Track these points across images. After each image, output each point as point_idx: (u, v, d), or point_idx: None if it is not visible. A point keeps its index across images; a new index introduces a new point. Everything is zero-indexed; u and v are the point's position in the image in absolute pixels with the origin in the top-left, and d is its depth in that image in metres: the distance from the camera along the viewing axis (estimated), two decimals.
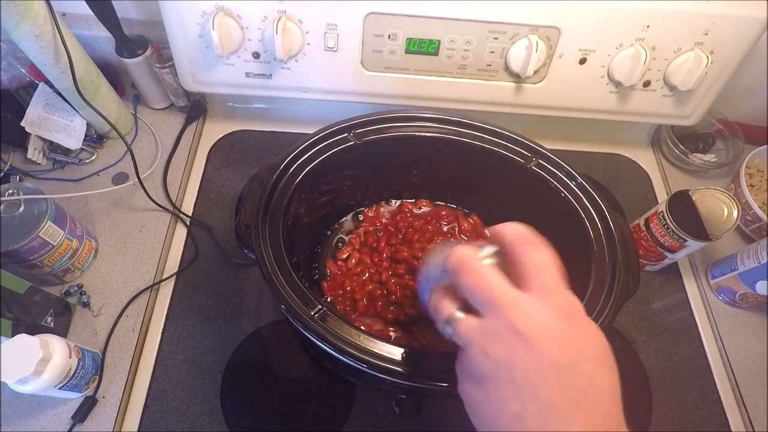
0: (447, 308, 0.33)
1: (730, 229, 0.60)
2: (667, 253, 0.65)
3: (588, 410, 0.27)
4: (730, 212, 0.61)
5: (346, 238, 0.64)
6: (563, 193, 0.53)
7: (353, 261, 0.62)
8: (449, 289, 0.34)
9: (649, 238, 0.65)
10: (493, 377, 0.29)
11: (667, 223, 0.62)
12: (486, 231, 0.35)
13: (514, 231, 0.33)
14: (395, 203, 0.67)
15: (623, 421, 0.28)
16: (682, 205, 0.62)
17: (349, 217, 0.66)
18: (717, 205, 0.62)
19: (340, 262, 0.62)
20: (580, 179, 0.53)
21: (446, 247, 0.37)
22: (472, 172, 0.60)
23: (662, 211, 0.63)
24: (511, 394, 0.28)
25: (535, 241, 0.32)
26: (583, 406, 0.27)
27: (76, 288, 0.61)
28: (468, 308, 0.32)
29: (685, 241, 0.61)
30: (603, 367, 0.29)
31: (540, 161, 0.55)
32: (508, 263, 0.33)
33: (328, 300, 0.59)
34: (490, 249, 0.33)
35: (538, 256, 0.31)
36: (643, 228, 0.66)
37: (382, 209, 0.67)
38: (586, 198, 0.52)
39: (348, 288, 0.59)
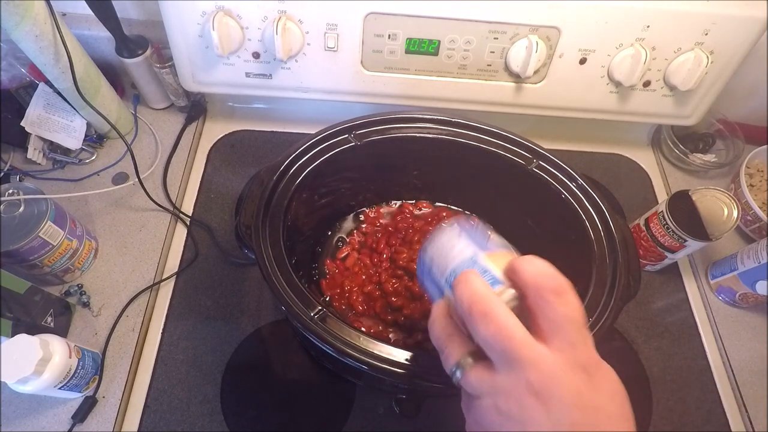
0: (456, 352, 0.30)
1: (730, 229, 0.60)
2: (667, 253, 0.65)
3: None
4: (730, 212, 0.61)
5: (347, 239, 0.64)
6: (564, 194, 0.53)
7: (351, 261, 0.62)
8: (455, 324, 0.31)
9: (649, 238, 0.65)
10: None
11: (667, 223, 0.62)
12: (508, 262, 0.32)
13: (537, 273, 0.29)
14: (396, 204, 0.67)
15: None
16: (682, 205, 0.62)
17: (350, 217, 0.66)
18: (717, 205, 0.62)
19: (338, 262, 0.62)
20: (580, 181, 0.53)
21: (453, 231, 0.34)
22: (472, 173, 0.60)
23: (662, 211, 0.63)
24: None
25: (561, 287, 0.29)
26: None
27: (76, 288, 0.61)
28: (479, 351, 0.30)
29: (685, 241, 0.61)
30: (622, 424, 0.27)
31: (541, 163, 0.55)
32: (523, 302, 0.30)
33: (327, 299, 0.59)
34: (511, 293, 0.30)
35: (566, 308, 0.28)
36: (643, 228, 0.66)
37: (382, 210, 0.67)
38: (587, 199, 0.52)
39: (346, 288, 0.59)
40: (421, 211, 0.67)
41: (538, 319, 0.29)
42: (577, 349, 0.28)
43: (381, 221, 0.66)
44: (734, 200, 0.61)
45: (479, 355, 0.30)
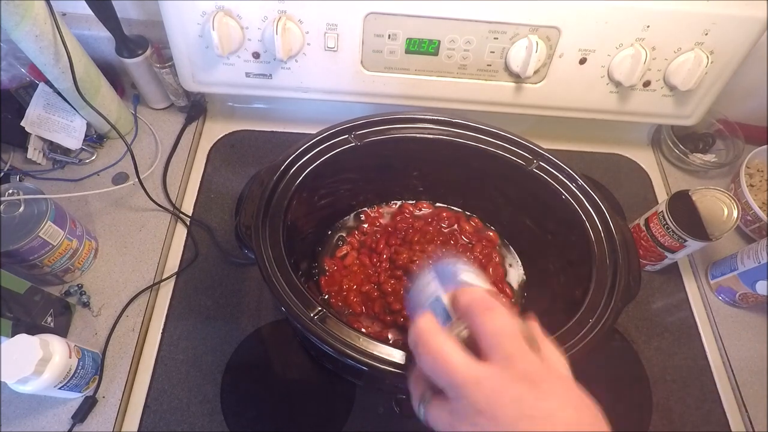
0: (418, 392, 0.32)
1: (730, 229, 0.60)
2: (667, 253, 0.65)
3: None
4: (730, 212, 0.61)
5: (347, 237, 0.64)
6: (564, 195, 0.53)
7: (350, 260, 0.62)
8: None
9: (649, 238, 0.65)
10: None
11: (667, 223, 0.62)
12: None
13: (470, 299, 0.31)
14: (396, 204, 0.67)
15: None
16: (682, 205, 0.62)
17: (351, 216, 0.66)
18: (717, 205, 0.62)
19: (337, 260, 0.62)
20: (580, 181, 0.53)
21: (427, 275, 0.36)
22: (473, 174, 0.60)
23: (662, 211, 0.63)
24: None
25: (490, 305, 0.31)
26: None
27: (76, 288, 0.61)
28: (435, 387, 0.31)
29: (685, 241, 0.61)
30: (581, 417, 0.28)
31: (541, 163, 0.55)
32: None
33: (325, 297, 0.59)
34: (461, 325, 0.32)
35: (497, 322, 0.30)
36: (643, 228, 0.66)
37: (382, 210, 0.67)
38: (587, 200, 0.52)
39: (345, 287, 0.59)
40: (422, 212, 0.67)
41: (477, 340, 0.30)
42: (515, 360, 0.28)
43: (380, 221, 0.66)
44: (734, 200, 0.61)
45: (436, 390, 0.30)
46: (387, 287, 0.57)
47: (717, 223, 0.61)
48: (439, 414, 0.30)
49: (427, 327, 0.31)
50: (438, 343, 0.30)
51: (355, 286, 0.59)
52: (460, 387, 0.28)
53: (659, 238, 0.64)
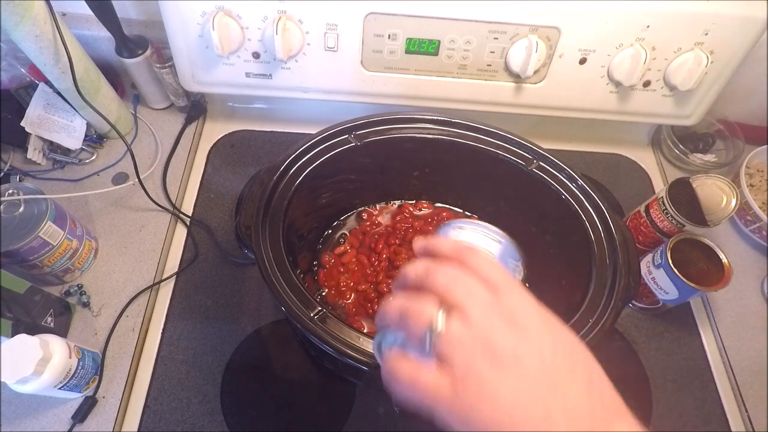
0: (427, 310, 0.28)
1: (728, 216, 0.60)
2: (665, 239, 0.64)
3: (601, 391, 0.27)
4: (729, 200, 0.61)
5: (348, 235, 0.64)
6: (564, 195, 0.53)
7: (348, 258, 0.62)
8: (414, 293, 0.30)
9: (649, 224, 0.65)
10: (507, 389, 0.26)
11: (666, 209, 0.62)
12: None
13: (445, 247, 0.31)
14: (396, 204, 0.67)
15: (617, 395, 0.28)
16: (682, 192, 0.62)
17: (352, 215, 0.66)
18: (716, 193, 0.62)
19: (335, 258, 0.62)
20: (580, 181, 0.53)
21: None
22: (473, 174, 0.60)
23: (662, 197, 0.63)
24: (531, 397, 0.26)
25: (465, 247, 0.31)
26: (596, 390, 0.27)
27: (76, 288, 0.61)
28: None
29: (683, 226, 0.61)
30: (578, 342, 0.29)
31: (541, 163, 0.55)
32: None
33: (323, 293, 0.59)
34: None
35: (488, 265, 0.30)
36: (644, 214, 0.66)
37: (382, 210, 0.67)
38: (587, 200, 0.52)
39: (342, 285, 0.59)
40: (421, 212, 0.67)
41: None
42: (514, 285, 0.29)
43: (379, 220, 0.66)
44: (734, 188, 0.61)
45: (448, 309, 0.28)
46: (383, 287, 0.57)
47: (715, 209, 0.61)
48: (460, 330, 0.27)
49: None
50: (465, 250, 0.30)
51: (352, 283, 0.59)
52: (504, 286, 0.28)
53: (658, 224, 0.64)
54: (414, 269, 0.31)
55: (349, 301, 0.58)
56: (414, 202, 0.68)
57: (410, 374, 0.28)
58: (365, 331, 0.55)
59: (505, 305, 0.28)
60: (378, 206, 0.67)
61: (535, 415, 0.25)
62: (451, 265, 0.30)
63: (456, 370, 0.27)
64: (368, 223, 0.65)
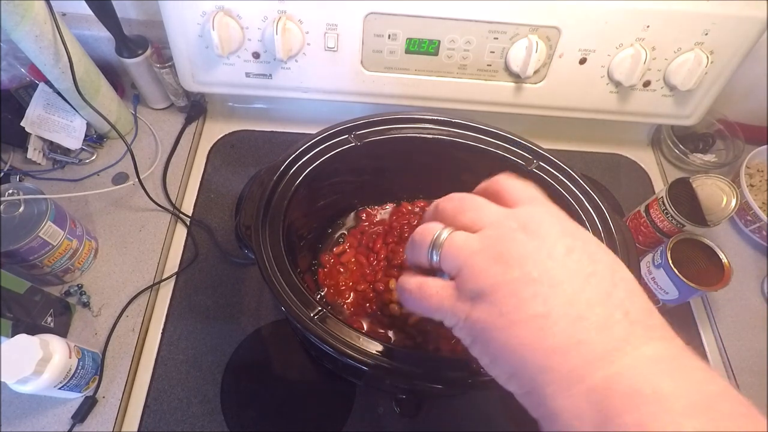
0: (429, 232, 0.29)
1: (728, 216, 0.60)
2: (665, 239, 0.65)
3: (624, 303, 0.24)
4: (729, 200, 0.61)
5: (347, 234, 0.64)
6: (564, 195, 0.53)
7: (347, 258, 0.62)
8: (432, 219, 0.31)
9: (649, 224, 0.65)
10: (504, 283, 0.25)
11: (666, 208, 0.62)
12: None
13: (485, 184, 0.33)
14: (395, 204, 0.67)
15: (667, 325, 0.24)
16: (682, 192, 0.62)
17: (351, 215, 0.66)
18: (716, 193, 0.62)
19: (334, 258, 0.62)
20: (580, 181, 0.53)
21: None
22: (473, 174, 0.60)
23: (662, 197, 0.63)
24: (530, 292, 0.24)
25: (504, 175, 0.32)
26: (617, 298, 0.24)
27: (76, 288, 0.61)
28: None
29: (683, 226, 0.61)
30: (618, 260, 0.27)
31: (541, 163, 0.54)
32: None
33: (323, 292, 0.59)
34: None
35: (512, 180, 0.31)
36: (644, 214, 0.66)
37: (381, 210, 0.67)
38: (587, 200, 0.52)
39: (342, 285, 0.59)
40: (419, 210, 0.67)
41: (504, 196, 0.30)
42: (544, 201, 0.29)
43: (377, 219, 0.65)
44: (734, 188, 0.61)
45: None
46: (380, 286, 0.57)
47: (715, 209, 0.61)
48: (465, 242, 0.27)
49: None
50: (462, 194, 0.30)
51: (351, 283, 0.59)
52: (498, 214, 0.28)
53: (658, 224, 0.64)
54: (429, 209, 0.32)
55: (349, 300, 0.58)
56: (413, 201, 0.67)
57: (416, 283, 0.30)
58: (365, 330, 0.55)
59: (520, 215, 0.27)
60: (377, 206, 0.67)
61: (529, 318, 0.23)
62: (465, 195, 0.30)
63: (460, 274, 0.27)
64: (367, 223, 0.65)
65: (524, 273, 0.24)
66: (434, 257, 0.28)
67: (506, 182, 0.30)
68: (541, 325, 0.23)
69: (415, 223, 0.63)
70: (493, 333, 0.25)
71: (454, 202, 0.30)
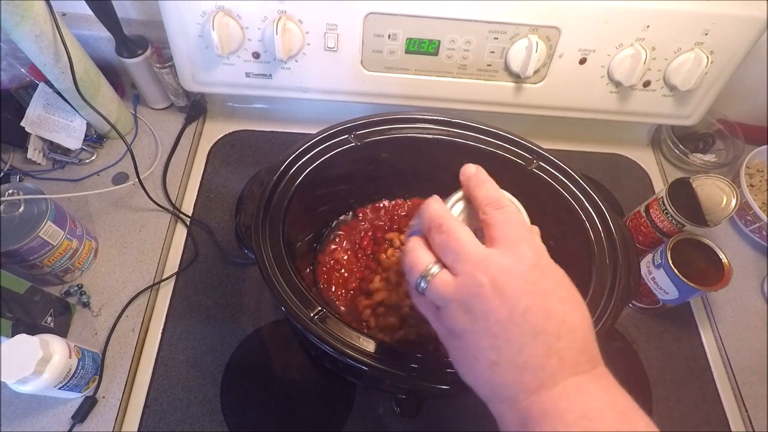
0: (423, 263, 0.33)
1: (728, 216, 0.60)
2: (665, 239, 0.64)
3: (561, 352, 0.29)
4: (729, 200, 0.61)
5: (341, 234, 0.64)
6: (564, 195, 0.53)
7: (339, 255, 0.62)
8: (423, 243, 0.35)
9: (649, 224, 0.65)
10: (470, 330, 0.31)
11: (666, 209, 0.62)
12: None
13: (485, 196, 0.35)
14: (393, 203, 0.67)
15: (599, 356, 0.31)
16: (682, 192, 0.62)
17: (350, 214, 0.66)
18: (716, 193, 0.62)
19: (330, 256, 0.62)
20: (580, 181, 0.53)
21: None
22: None
23: (662, 197, 0.63)
24: (488, 344, 0.30)
25: (499, 202, 0.34)
26: (556, 349, 0.29)
27: (76, 288, 0.61)
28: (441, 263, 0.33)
29: (683, 226, 0.61)
30: (574, 307, 0.31)
31: (541, 163, 0.54)
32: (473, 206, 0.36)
33: (321, 287, 0.59)
34: (457, 195, 0.37)
35: (502, 215, 0.33)
36: (644, 214, 0.66)
37: (380, 209, 0.67)
38: (587, 200, 0.52)
39: (337, 283, 0.59)
40: (407, 208, 0.67)
41: (485, 229, 0.33)
42: (519, 244, 0.32)
43: (370, 216, 0.65)
44: (734, 188, 0.61)
45: (442, 266, 0.33)
46: (365, 285, 0.57)
47: (715, 209, 0.61)
48: (445, 286, 0.32)
49: (440, 210, 0.35)
50: (452, 223, 0.33)
51: (344, 281, 0.59)
52: (470, 262, 0.31)
53: (658, 224, 0.64)
54: (422, 222, 0.35)
55: (344, 298, 0.58)
56: (411, 201, 0.67)
57: (415, 300, 0.37)
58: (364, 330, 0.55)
59: (493, 268, 0.30)
60: (376, 205, 0.67)
61: (485, 360, 0.30)
62: (447, 227, 0.34)
63: (441, 311, 0.33)
64: (363, 222, 0.65)
65: (486, 327, 0.30)
66: (422, 285, 0.33)
67: (492, 214, 0.33)
68: (493, 368, 0.30)
69: (404, 219, 0.63)
70: (460, 361, 0.33)
71: (441, 236, 0.33)
